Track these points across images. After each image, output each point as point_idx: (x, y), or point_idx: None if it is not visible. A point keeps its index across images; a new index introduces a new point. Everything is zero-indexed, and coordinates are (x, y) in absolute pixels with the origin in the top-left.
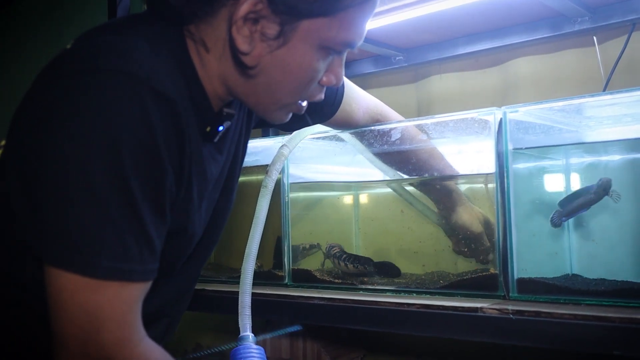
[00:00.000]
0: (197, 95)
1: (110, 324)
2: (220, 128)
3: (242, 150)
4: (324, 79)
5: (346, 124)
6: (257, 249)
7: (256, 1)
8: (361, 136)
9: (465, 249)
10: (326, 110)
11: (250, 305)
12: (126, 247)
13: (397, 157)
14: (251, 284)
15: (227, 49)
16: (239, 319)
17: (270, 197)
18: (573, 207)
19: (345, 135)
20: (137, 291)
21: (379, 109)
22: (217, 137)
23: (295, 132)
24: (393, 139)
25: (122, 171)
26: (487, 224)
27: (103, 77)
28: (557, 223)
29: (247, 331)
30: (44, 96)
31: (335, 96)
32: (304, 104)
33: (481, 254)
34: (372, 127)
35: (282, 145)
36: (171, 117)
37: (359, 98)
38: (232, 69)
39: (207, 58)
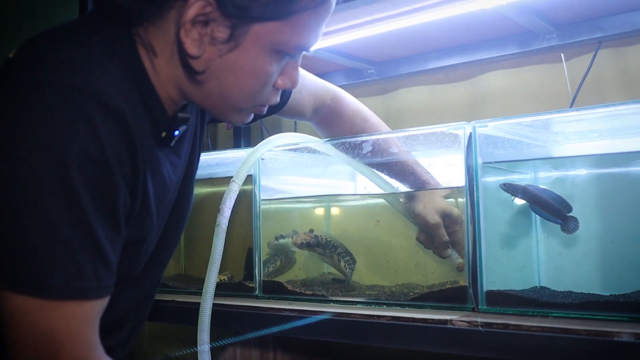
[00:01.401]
0: (150, 102)
1: (67, 344)
2: (176, 132)
3: (197, 151)
4: (279, 82)
5: (296, 112)
6: (214, 287)
7: (205, 4)
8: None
9: (423, 240)
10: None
11: (208, 341)
12: (79, 265)
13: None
14: (209, 322)
15: (176, 53)
16: (199, 357)
17: (224, 236)
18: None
19: (326, 142)
20: (94, 308)
21: (330, 95)
22: (174, 142)
23: (240, 165)
24: (364, 147)
25: (72, 188)
26: (447, 216)
27: (48, 91)
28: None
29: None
30: None
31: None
32: (265, 107)
33: (438, 247)
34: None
35: (231, 181)
36: (121, 131)
37: (309, 85)
38: (182, 73)
39: (157, 62)
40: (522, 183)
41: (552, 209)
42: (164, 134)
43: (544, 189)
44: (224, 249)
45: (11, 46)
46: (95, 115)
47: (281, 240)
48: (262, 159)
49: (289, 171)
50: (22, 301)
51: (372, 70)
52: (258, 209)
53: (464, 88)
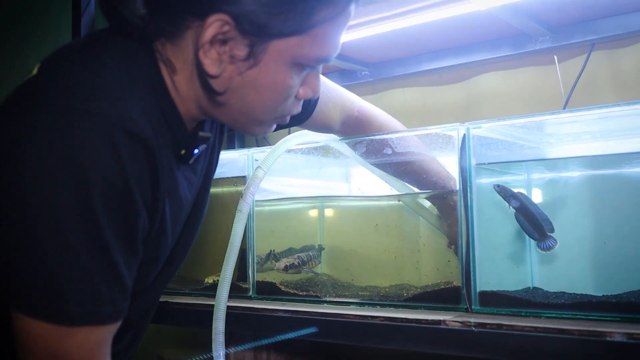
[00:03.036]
0: (172, 120)
1: None
2: (196, 151)
3: (214, 164)
4: (301, 92)
5: (324, 125)
6: (232, 273)
7: (222, 23)
8: (353, 145)
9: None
10: (301, 113)
11: (223, 331)
12: (96, 290)
13: (394, 166)
14: (225, 310)
15: (195, 72)
16: (212, 345)
17: (245, 222)
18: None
19: (336, 145)
20: (107, 332)
21: (357, 107)
22: (192, 159)
23: (269, 152)
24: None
25: (93, 215)
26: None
27: (73, 116)
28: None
29: (220, 358)
30: (7, 129)
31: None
32: (287, 117)
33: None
34: (363, 138)
35: (257, 167)
36: (145, 157)
37: (336, 97)
38: (202, 92)
39: (177, 80)
40: (516, 190)
41: (535, 224)
42: (183, 152)
43: (534, 202)
44: (217, 250)
45: (5, 47)
46: (119, 142)
47: (265, 265)
48: (256, 160)
49: (284, 172)
50: (37, 325)
51: (366, 72)
52: (252, 210)
53: (457, 89)
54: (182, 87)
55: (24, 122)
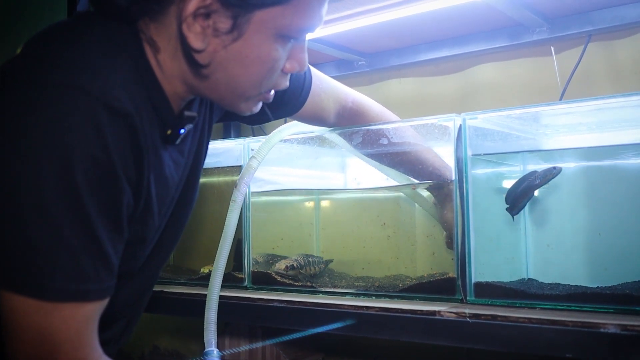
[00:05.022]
0: (157, 99)
1: (66, 345)
2: (182, 131)
3: (204, 148)
4: (287, 66)
5: (318, 117)
6: (225, 263)
7: None
8: (349, 136)
9: (450, 242)
10: (293, 102)
11: (215, 321)
12: (81, 267)
13: (389, 157)
14: (217, 300)
15: (179, 48)
16: (205, 334)
17: (239, 212)
18: (517, 196)
19: (330, 135)
20: (94, 310)
21: (350, 98)
22: (179, 140)
23: (263, 142)
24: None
25: (76, 190)
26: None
27: (55, 92)
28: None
29: (212, 347)
30: None
31: (302, 88)
32: (271, 93)
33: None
34: (358, 128)
35: (251, 157)
36: (128, 133)
37: (329, 89)
38: (188, 68)
39: (161, 58)
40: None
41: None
42: (169, 132)
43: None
44: (213, 240)
45: (2, 42)
46: (102, 118)
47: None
48: (252, 149)
49: (279, 162)
50: (22, 302)
51: (362, 62)
52: (248, 200)
53: (454, 80)
54: (167, 65)
55: (5, 99)
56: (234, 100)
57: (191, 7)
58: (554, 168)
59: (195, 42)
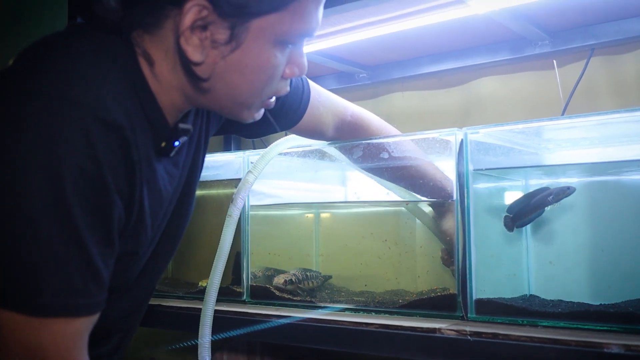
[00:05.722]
0: (151, 111)
1: None
2: (176, 143)
3: (200, 161)
4: (287, 71)
5: (316, 130)
6: (220, 279)
7: (201, 8)
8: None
9: (447, 258)
10: (291, 115)
11: (210, 337)
12: (70, 282)
13: (390, 171)
14: (212, 316)
15: (178, 61)
16: (199, 350)
17: (235, 227)
18: (526, 210)
19: (329, 149)
20: (83, 325)
21: (350, 111)
22: (173, 152)
23: (260, 156)
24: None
25: (65, 203)
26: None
27: (45, 103)
28: (509, 227)
29: None
30: None
31: (300, 101)
32: (272, 99)
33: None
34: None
35: (247, 172)
36: (119, 146)
37: (327, 102)
38: (187, 80)
39: (157, 70)
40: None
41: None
42: (163, 144)
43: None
44: (211, 253)
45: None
46: (92, 129)
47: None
48: (252, 162)
49: (279, 175)
50: (9, 317)
51: (364, 74)
52: (247, 213)
53: (456, 93)
54: (164, 76)
55: None
56: (235, 109)
57: (188, 20)
58: (568, 188)
59: (193, 55)
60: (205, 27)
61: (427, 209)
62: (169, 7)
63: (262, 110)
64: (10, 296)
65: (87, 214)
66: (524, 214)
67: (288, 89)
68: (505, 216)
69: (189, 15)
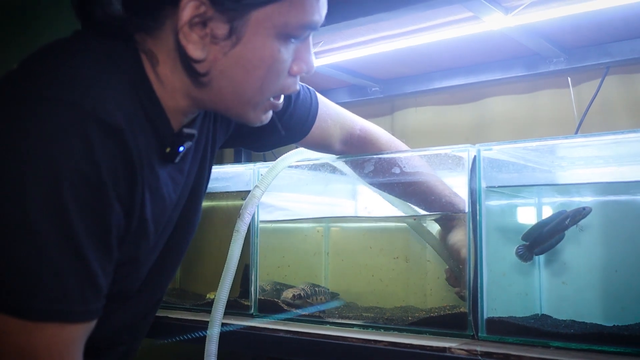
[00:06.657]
0: (155, 115)
1: None
2: (181, 149)
3: (206, 170)
4: (294, 68)
5: (325, 144)
6: (227, 295)
7: (198, 4)
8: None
9: (451, 278)
10: (300, 127)
11: (216, 353)
12: (65, 287)
13: (400, 187)
14: (219, 332)
15: (179, 61)
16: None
17: (242, 242)
18: (543, 236)
19: (337, 163)
20: (78, 332)
21: (358, 125)
22: (178, 158)
23: (268, 169)
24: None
25: (63, 207)
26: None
27: (45, 106)
28: (526, 257)
29: None
30: None
31: (309, 113)
32: (280, 100)
33: (459, 284)
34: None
35: (254, 187)
36: (119, 150)
37: (335, 115)
38: (189, 81)
39: (161, 72)
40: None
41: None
42: (168, 149)
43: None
44: (220, 265)
45: (11, 52)
46: (92, 132)
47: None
48: (261, 174)
49: (289, 188)
50: (3, 320)
51: (376, 88)
52: (256, 225)
53: (469, 109)
54: (167, 79)
55: None
56: (241, 108)
57: (186, 16)
58: (584, 208)
59: (194, 51)
60: (204, 24)
61: (433, 228)
62: (167, 6)
63: (270, 113)
64: (4, 299)
65: (85, 219)
66: (543, 240)
67: (297, 87)
68: (520, 246)
69: (186, 12)
